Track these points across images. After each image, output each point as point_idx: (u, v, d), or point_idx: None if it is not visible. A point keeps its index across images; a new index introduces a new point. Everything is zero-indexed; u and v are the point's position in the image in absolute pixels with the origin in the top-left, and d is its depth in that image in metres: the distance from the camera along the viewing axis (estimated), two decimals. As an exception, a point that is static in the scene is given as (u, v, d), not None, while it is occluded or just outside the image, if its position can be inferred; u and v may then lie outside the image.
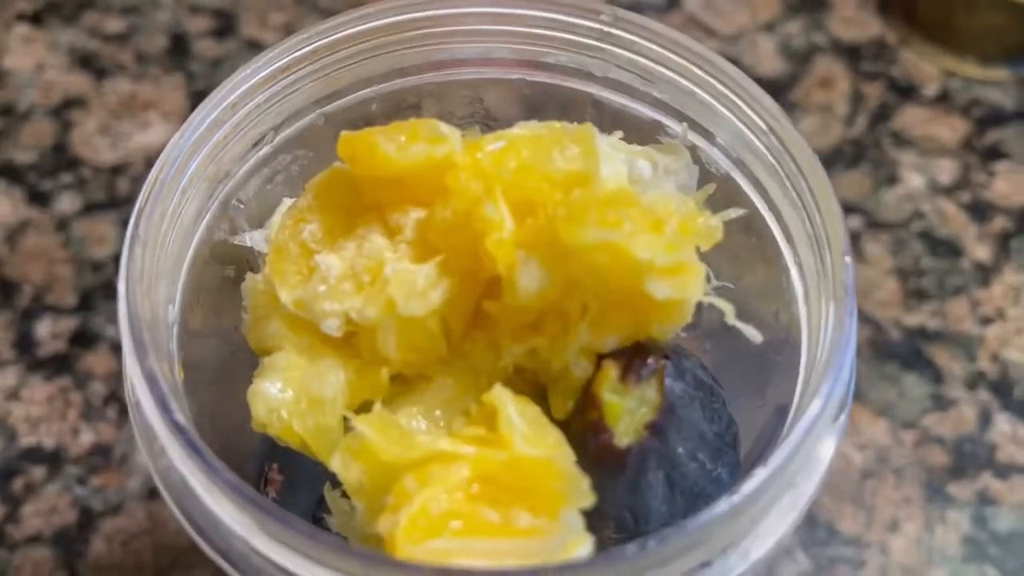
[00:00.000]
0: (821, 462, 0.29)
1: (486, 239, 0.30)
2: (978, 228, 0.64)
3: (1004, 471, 0.56)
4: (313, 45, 0.34)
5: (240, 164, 0.35)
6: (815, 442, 0.28)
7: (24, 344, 0.59)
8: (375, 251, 0.31)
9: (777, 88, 0.69)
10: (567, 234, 0.28)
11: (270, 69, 0.34)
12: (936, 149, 0.67)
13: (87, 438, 0.56)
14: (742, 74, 0.34)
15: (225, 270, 0.36)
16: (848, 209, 0.64)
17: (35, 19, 0.72)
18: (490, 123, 0.38)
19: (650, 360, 0.31)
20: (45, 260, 0.62)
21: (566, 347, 0.31)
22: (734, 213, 0.32)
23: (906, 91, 0.69)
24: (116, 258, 0.62)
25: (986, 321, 0.60)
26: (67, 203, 0.64)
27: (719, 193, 0.35)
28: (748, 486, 0.27)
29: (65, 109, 0.68)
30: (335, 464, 0.30)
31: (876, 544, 0.53)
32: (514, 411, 0.28)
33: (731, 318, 0.31)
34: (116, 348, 0.59)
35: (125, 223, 0.62)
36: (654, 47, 0.35)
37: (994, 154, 0.67)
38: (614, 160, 0.30)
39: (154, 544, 0.53)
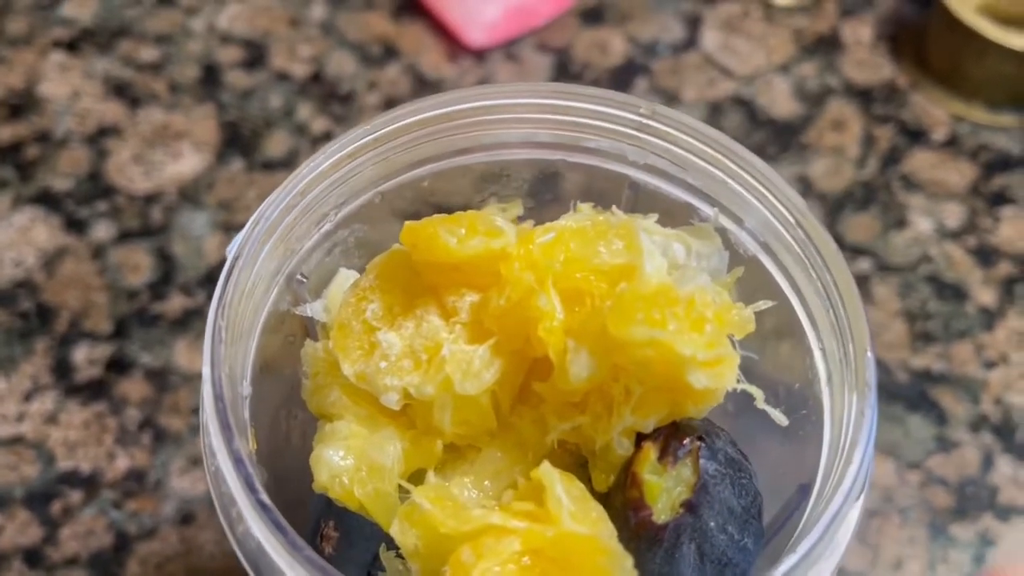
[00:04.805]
0: (843, 539, 0.31)
1: (539, 326, 0.32)
2: (983, 273, 0.65)
3: (1005, 513, 0.57)
4: (375, 134, 0.37)
5: (304, 241, 0.37)
6: (839, 525, 0.31)
7: (61, 369, 0.60)
8: (432, 331, 0.34)
9: (791, 129, 0.71)
10: (616, 329, 0.31)
11: (336, 157, 0.36)
12: (944, 193, 0.68)
13: (123, 463, 0.58)
14: (770, 168, 0.36)
15: (286, 336, 0.38)
16: (857, 252, 0.66)
17: (71, 47, 0.74)
18: (530, 200, 0.40)
19: (686, 441, 0.33)
20: (81, 287, 0.63)
21: (610, 427, 0.33)
22: (764, 305, 0.34)
23: (916, 135, 0.71)
24: (150, 286, 0.63)
25: (990, 365, 0.62)
26: (103, 231, 0.65)
27: (747, 274, 0.37)
28: (778, 571, 0.29)
29: (100, 137, 0.69)
30: (394, 530, 0.32)
31: (880, 581, 0.55)
32: (561, 490, 0.31)
33: (760, 403, 0.34)
34: (150, 375, 0.60)
35: (159, 251, 0.64)
36: (688, 139, 0.37)
37: (1000, 199, 0.68)
38: (655, 255, 0.32)
39: (187, 568, 0.55)
